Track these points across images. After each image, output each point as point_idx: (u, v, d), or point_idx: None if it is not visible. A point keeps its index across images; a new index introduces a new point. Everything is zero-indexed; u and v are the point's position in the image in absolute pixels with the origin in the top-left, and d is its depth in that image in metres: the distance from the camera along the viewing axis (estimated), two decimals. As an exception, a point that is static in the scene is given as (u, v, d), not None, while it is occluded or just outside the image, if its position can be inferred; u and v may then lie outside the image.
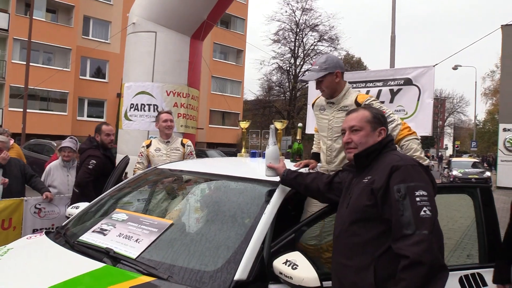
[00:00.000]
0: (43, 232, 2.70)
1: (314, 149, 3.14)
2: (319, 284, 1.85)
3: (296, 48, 30.79)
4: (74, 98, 25.56)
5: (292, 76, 31.09)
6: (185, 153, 4.20)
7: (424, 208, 1.65)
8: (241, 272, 1.91)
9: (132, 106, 8.16)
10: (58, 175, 5.17)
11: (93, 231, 2.44)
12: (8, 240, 4.21)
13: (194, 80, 8.82)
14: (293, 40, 30.72)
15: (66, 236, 2.54)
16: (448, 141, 53.85)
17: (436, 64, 5.53)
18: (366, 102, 2.65)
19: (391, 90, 5.84)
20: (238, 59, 34.63)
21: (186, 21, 8.19)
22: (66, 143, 5.26)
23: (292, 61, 31.05)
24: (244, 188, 2.53)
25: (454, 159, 22.64)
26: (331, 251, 2.08)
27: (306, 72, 3.59)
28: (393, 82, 5.87)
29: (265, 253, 2.07)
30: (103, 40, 26.20)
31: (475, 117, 37.64)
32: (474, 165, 19.76)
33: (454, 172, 18.54)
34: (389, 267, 1.69)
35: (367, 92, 5.90)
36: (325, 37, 30.24)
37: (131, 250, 2.14)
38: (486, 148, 41.00)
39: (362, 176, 1.94)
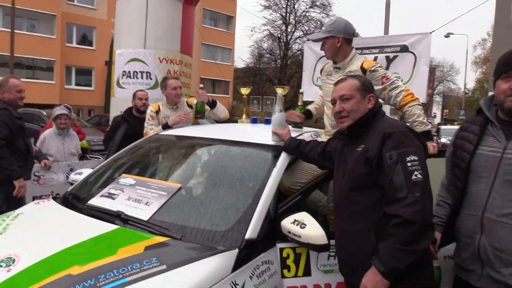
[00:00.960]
0: (51, 197, 2.74)
1: (310, 107, 3.27)
2: (326, 242, 1.94)
3: (288, 14, 30.25)
4: (61, 67, 25.03)
5: (283, 44, 30.67)
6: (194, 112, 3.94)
7: (416, 172, 1.73)
8: (251, 231, 1.99)
9: (124, 73, 8.07)
10: (54, 143, 5.16)
11: (101, 196, 2.48)
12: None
13: (187, 47, 8.70)
14: (284, 6, 30.13)
15: (74, 201, 2.59)
16: (436, 110, 54.28)
17: (433, 31, 5.52)
18: (372, 68, 2.68)
19: (387, 57, 5.84)
20: (228, 25, 33.98)
21: (179, -15, 8.02)
22: (60, 110, 5.22)
23: (284, 28, 30.56)
24: (250, 152, 2.58)
25: (443, 127, 22.93)
26: None
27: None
28: (389, 49, 5.86)
29: (273, 214, 2.15)
30: (89, 6, 25.44)
31: (465, 85, 37.85)
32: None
33: (443, 140, 18.83)
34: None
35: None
36: (317, 3, 29.68)
37: (142, 212, 2.19)
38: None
39: (354, 145, 1.99)
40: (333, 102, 2.10)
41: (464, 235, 1.94)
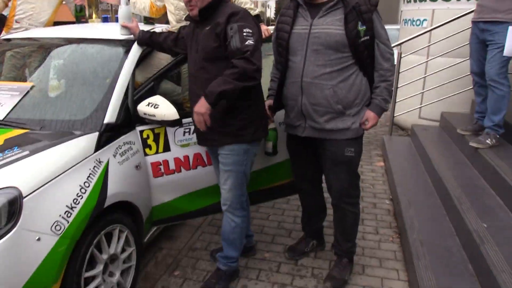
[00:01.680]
0: None
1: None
2: (178, 117, 2.27)
3: None
4: None
5: None
6: None
7: (249, 40, 2.11)
8: (109, 116, 2.21)
9: None
10: None
11: None
12: None
13: None
14: None
15: None
16: None
17: None
18: None
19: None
20: None
21: None
22: None
23: None
24: (101, 48, 2.66)
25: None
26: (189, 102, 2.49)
27: None
28: None
29: (129, 102, 2.37)
30: None
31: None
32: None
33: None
34: None
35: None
36: None
37: (-4, 113, 2.22)
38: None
39: (204, 25, 2.27)
40: None
41: (290, 99, 2.42)
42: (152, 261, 2.81)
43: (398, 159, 4.48)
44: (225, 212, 2.43)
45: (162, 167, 2.48)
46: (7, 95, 2.34)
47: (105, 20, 3.44)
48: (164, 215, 2.60)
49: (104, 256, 2.09)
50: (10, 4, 3.64)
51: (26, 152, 1.87)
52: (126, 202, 2.23)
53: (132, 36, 2.65)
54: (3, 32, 3.48)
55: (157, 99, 2.32)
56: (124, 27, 2.63)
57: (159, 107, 2.27)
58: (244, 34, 2.12)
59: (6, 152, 1.87)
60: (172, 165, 2.50)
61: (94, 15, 3.45)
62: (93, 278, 2.03)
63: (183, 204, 2.62)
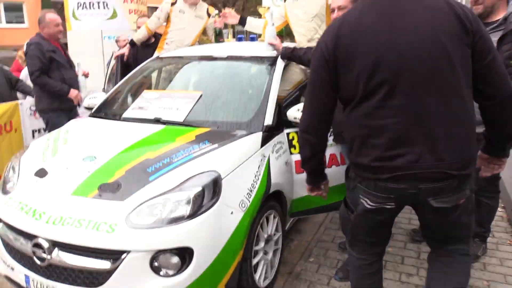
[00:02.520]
0: (84, 116, 3.21)
1: (252, 19, 3.79)
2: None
3: None
4: (-14, 3, 22.89)
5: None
6: (207, 23, 4.21)
7: None
8: (268, 119, 2.65)
9: (79, 4, 7.94)
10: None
11: (132, 109, 3.01)
12: (12, 142, 4.63)
13: (141, -23, 8.60)
14: None
15: (109, 116, 3.10)
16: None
17: None
18: None
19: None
20: None
21: None
22: None
23: None
24: (253, 63, 3.17)
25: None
26: None
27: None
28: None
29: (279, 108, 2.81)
30: None
31: None
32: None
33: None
34: None
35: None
36: None
37: (176, 116, 2.77)
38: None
39: None
40: (332, 10, 2.70)
41: None
42: (287, 250, 3.20)
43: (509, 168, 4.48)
44: None
45: (303, 164, 2.87)
46: (182, 101, 2.89)
47: (239, 39, 3.97)
48: (301, 208, 2.98)
49: (265, 235, 2.51)
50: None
51: (216, 145, 2.36)
52: (278, 192, 2.64)
53: (275, 52, 3.11)
54: (156, 52, 4.16)
55: (305, 105, 2.73)
56: (270, 44, 3.10)
57: (308, 112, 2.67)
58: None
59: (201, 144, 2.37)
60: (312, 163, 2.88)
61: (229, 35, 4.01)
62: (256, 252, 2.45)
63: (318, 198, 2.97)
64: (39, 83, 4.02)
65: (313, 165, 2.02)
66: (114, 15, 7.99)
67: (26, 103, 4.85)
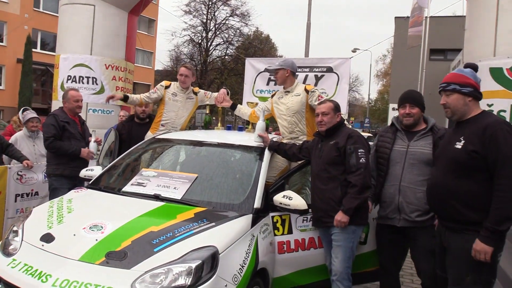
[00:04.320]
0: (83, 187, 3.45)
1: (241, 106, 4.42)
2: (307, 207, 3.03)
3: (208, 21, 31.20)
4: (-35, 63, 23.11)
5: (203, 50, 31.51)
6: (198, 100, 4.58)
7: (362, 158, 3.01)
8: (257, 202, 3.01)
9: (69, 78, 8.31)
10: (25, 145, 5.55)
11: (131, 184, 3.29)
12: (-5, 205, 4.70)
13: (131, 54, 9.24)
14: (205, 13, 31.04)
15: (107, 189, 3.36)
16: (343, 116, 59.08)
17: (352, 57, 6.98)
18: (312, 90, 3.97)
19: (315, 76, 7.20)
20: (150, 28, 33.93)
21: (127, -3, 8.54)
22: (31, 114, 5.64)
23: (204, 34, 31.43)
24: (243, 151, 3.60)
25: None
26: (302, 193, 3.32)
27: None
28: (317, 69, 7.21)
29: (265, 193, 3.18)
30: (-1, 0, 23.82)
31: (369, 96, 42.45)
32: (368, 138, 22.95)
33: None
34: (346, 188, 3.06)
35: (297, 76, 7.28)
36: (236, 12, 31.11)
37: (174, 194, 3.08)
38: (376, 124, 46.16)
39: (328, 141, 3.20)
40: (317, 115, 3.29)
41: (388, 197, 3.18)
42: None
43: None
44: (334, 282, 3.06)
45: (285, 246, 3.18)
46: (179, 181, 3.22)
47: (228, 128, 4.44)
48: (281, 286, 3.23)
49: (250, 310, 2.73)
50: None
51: (213, 223, 2.66)
52: (263, 269, 2.91)
53: (263, 143, 3.57)
54: (149, 133, 4.53)
55: (289, 193, 3.12)
56: (260, 136, 3.56)
57: (293, 199, 3.05)
58: (359, 153, 3.03)
59: (199, 222, 2.67)
60: (292, 245, 3.21)
61: (219, 124, 4.47)
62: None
63: (297, 278, 3.26)
64: (52, 147, 4.44)
65: None
66: (101, 90, 8.42)
67: (15, 167, 5.00)
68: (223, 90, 4.41)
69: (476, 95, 2.59)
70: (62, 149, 4.43)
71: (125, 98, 4.63)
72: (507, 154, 2.35)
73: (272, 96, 4.26)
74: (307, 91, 3.96)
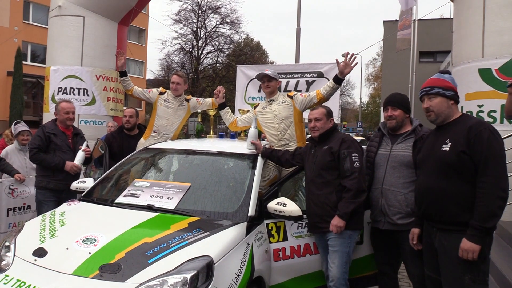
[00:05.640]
0: (76, 200, 3.42)
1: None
2: (301, 214, 3.02)
3: (198, 30, 31.26)
4: (-46, 77, 22.93)
5: (195, 58, 31.54)
6: (190, 107, 4.65)
7: (356, 162, 3.01)
8: (251, 210, 2.99)
9: (60, 89, 8.30)
10: (16, 158, 5.50)
11: (124, 196, 3.27)
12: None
13: (121, 65, 9.25)
14: (195, 21, 31.11)
15: (100, 201, 3.32)
16: (336, 121, 59.45)
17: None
18: (294, 94, 4.05)
19: (307, 81, 7.24)
20: (140, 38, 33.94)
21: (115, 7, 8.51)
22: (22, 127, 5.59)
23: (195, 42, 31.47)
24: (235, 159, 3.58)
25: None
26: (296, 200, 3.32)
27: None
28: (308, 74, 7.26)
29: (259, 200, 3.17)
30: (-13, 13, 23.72)
31: (360, 100, 42.69)
32: (361, 142, 23.07)
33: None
34: (341, 193, 3.06)
35: (288, 82, 7.35)
36: (226, 20, 31.22)
37: (167, 204, 3.05)
38: (368, 128, 46.38)
39: (322, 146, 3.20)
40: (310, 120, 3.31)
41: (374, 200, 3.21)
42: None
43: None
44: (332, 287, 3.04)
45: (281, 253, 3.17)
46: (172, 191, 3.19)
47: (220, 136, 4.43)
48: (277, 294, 3.21)
49: (246, 318, 2.70)
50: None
51: (208, 233, 2.64)
52: (259, 277, 2.89)
53: (255, 150, 3.56)
54: (142, 140, 4.52)
55: (283, 199, 3.11)
56: (252, 143, 3.56)
57: (287, 206, 3.04)
58: (353, 157, 3.04)
59: (193, 232, 2.65)
60: (288, 252, 3.19)
61: (211, 132, 4.46)
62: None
63: (293, 285, 3.24)
64: (35, 159, 4.37)
65: None
66: (92, 101, 8.40)
67: (7, 181, 4.95)
68: (222, 87, 4.45)
69: (456, 99, 2.70)
70: (45, 162, 4.35)
71: (124, 73, 4.70)
72: (491, 153, 2.42)
73: (255, 107, 4.27)
74: (290, 97, 4.05)
